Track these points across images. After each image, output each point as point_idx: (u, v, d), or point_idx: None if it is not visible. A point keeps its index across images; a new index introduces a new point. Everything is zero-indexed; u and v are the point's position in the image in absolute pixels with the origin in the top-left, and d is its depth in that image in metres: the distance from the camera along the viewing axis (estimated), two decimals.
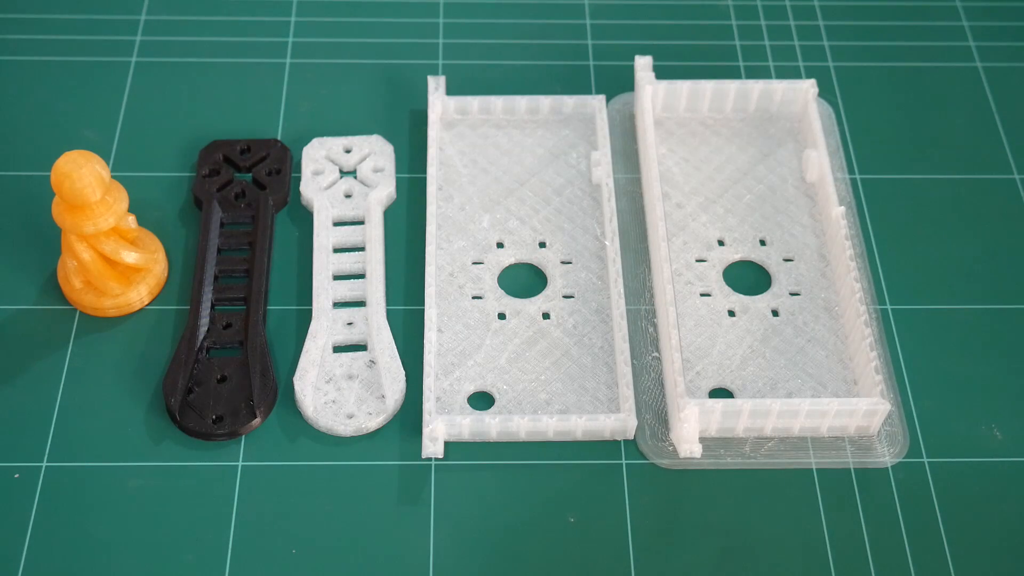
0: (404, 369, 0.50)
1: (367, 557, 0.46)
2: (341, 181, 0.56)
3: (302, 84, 0.60)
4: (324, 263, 0.53)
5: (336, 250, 0.54)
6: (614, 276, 0.52)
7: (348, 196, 0.55)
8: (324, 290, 0.52)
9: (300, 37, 0.62)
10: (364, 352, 0.51)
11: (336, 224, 0.55)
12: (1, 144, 0.57)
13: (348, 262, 0.53)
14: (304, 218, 0.55)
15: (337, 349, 0.51)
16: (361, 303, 0.52)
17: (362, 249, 0.54)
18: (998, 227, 0.56)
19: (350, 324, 0.51)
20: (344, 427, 0.49)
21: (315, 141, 0.57)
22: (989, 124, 0.60)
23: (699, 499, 0.48)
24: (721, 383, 0.50)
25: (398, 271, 0.54)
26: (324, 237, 0.54)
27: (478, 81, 0.60)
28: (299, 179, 0.56)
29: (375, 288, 0.52)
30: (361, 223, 0.55)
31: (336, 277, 0.53)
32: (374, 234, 0.54)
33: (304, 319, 0.52)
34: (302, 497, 0.47)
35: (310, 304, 0.52)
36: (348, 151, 0.57)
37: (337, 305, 0.52)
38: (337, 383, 0.50)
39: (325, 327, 0.51)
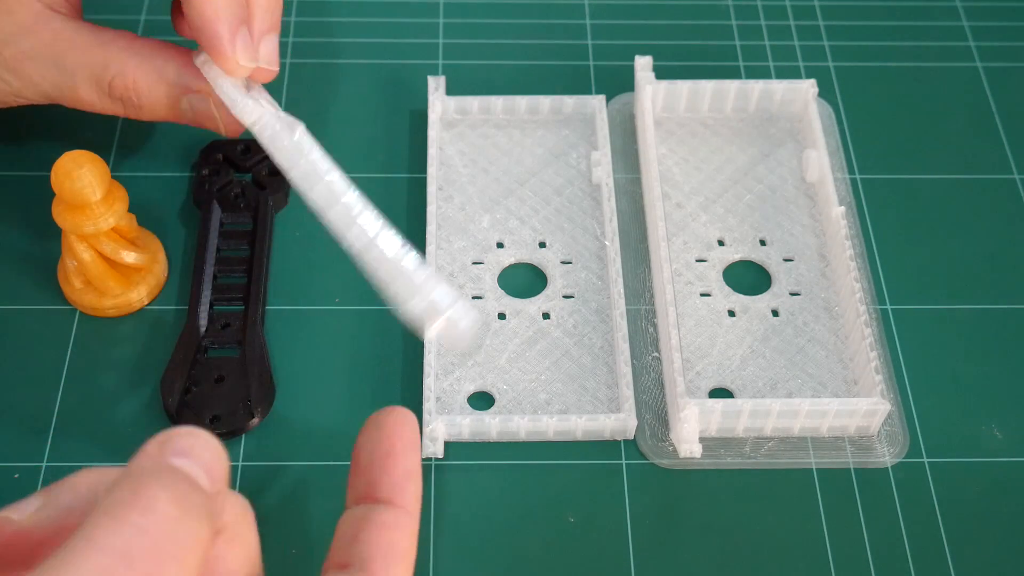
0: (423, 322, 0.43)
1: None
2: None
3: (302, 84, 0.60)
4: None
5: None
6: (614, 276, 0.52)
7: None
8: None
9: (300, 37, 0.62)
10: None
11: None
12: (1, 144, 0.57)
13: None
14: (302, 218, 0.55)
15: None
16: None
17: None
18: (998, 227, 0.56)
19: None
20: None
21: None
22: (989, 124, 0.60)
23: (699, 499, 0.47)
24: (721, 383, 0.50)
25: None
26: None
27: (478, 81, 0.60)
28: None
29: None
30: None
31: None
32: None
33: (303, 319, 0.52)
34: (300, 497, 0.47)
35: (309, 304, 0.52)
36: None
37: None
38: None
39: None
